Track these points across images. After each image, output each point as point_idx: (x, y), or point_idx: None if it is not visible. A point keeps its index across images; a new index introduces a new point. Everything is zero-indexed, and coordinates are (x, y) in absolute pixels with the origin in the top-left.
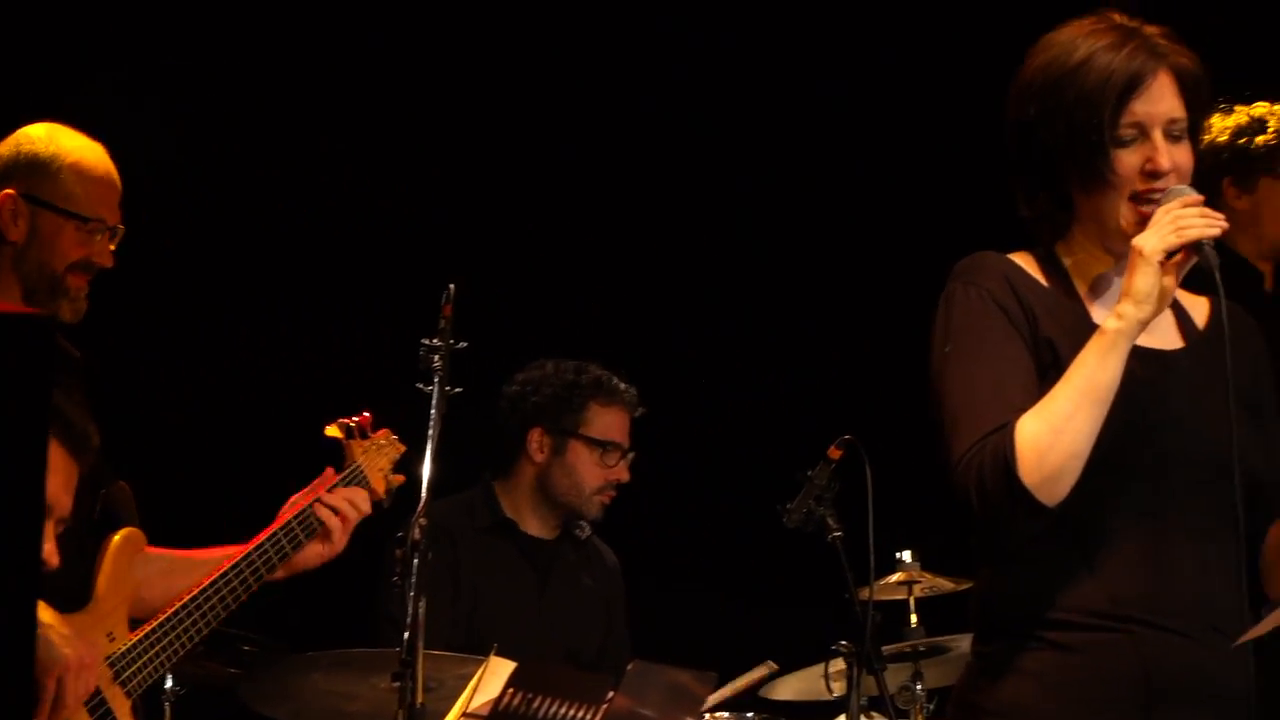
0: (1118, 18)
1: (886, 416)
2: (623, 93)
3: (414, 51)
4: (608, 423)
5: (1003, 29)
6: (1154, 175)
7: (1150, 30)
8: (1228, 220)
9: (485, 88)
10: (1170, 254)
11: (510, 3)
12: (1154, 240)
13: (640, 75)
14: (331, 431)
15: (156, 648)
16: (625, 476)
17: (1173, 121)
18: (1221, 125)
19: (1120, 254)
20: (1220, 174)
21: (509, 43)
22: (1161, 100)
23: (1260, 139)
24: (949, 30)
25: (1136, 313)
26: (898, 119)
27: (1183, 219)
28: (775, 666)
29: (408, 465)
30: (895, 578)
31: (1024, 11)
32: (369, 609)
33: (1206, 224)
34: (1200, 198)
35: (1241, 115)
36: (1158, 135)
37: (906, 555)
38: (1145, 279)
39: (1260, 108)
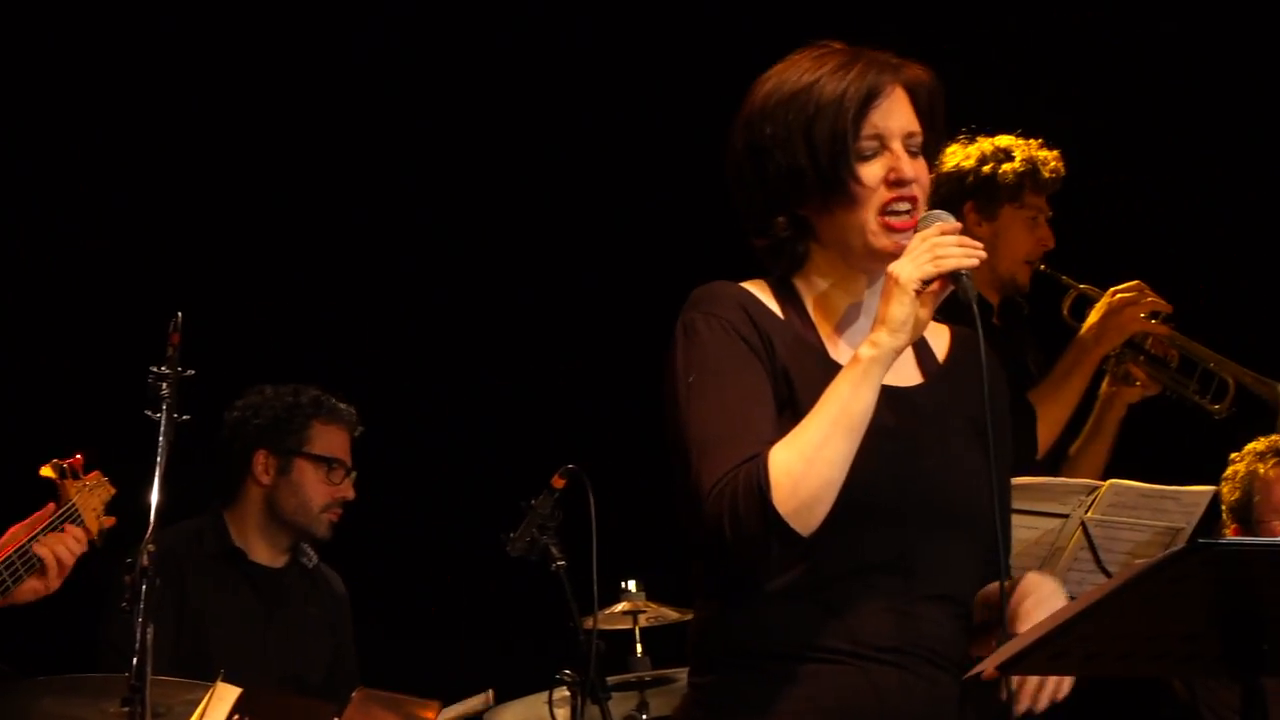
0: (838, 45)
1: (610, 446)
2: (335, 121)
3: (136, 78)
4: (330, 440)
5: (718, 63)
6: (899, 184)
7: (875, 52)
8: None
9: (207, 118)
10: (927, 283)
11: (206, 31)
12: (910, 269)
13: (351, 101)
14: (46, 472)
15: None
16: (350, 494)
17: (910, 135)
18: (965, 151)
19: (865, 272)
20: (961, 200)
21: (224, 73)
22: (899, 113)
23: (1007, 167)
24: (672, 63)
25: (891, 341)
26: (621, 151)
27: (940, 247)
28: (492, 697)
29: (136, 492)
30: (620, 607)
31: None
32: (92, 634)
33: (965, 254)
34: (957, 225)
35: (986, 144)
36: (897, 145)
37: (631, 585)
38: (901, 307)
39: (1004, 139)
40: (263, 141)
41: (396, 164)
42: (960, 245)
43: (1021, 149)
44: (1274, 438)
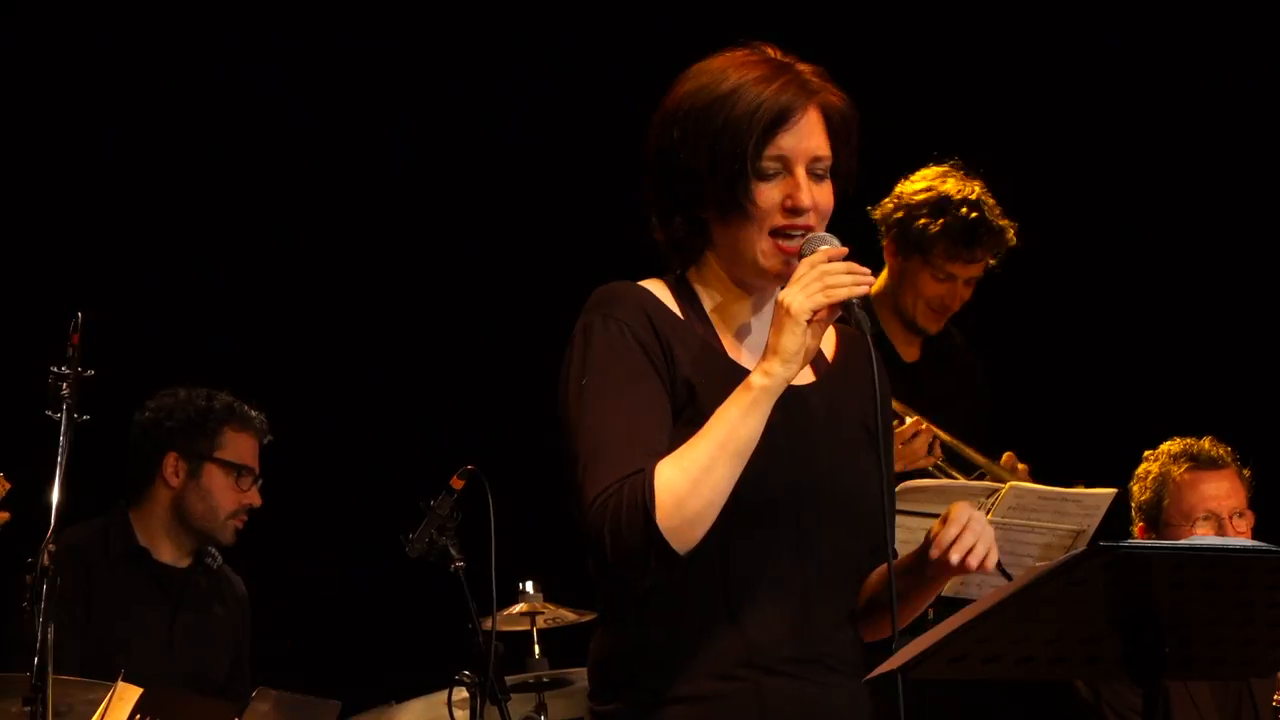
0: (771, 51)
1: (508, 446)
2: (230, 121)
3: (37, 74)
4: (241, 447)
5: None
6: (795, 211)
7: (803, 67)
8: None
9: (109, 115)
10: (816, 312)
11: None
12: (801, 299)
13: (251, 106)
14: None
15: None
16: (258, 501)
17: (816, 160)
18: (925, 183)
19: (751, 286)
20: (888, 230)
21: (127, 70)
22: (808, 137)
23: (922, 221)
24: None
25: (784, 371)
26: (522, 153)
27: (830, 276)
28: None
29: (38, 492)
30: (518, 608)
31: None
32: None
33: (854, 282)
34: (843, 250)
35: (944, 183)
36: (800, 171)
37: (529, 586)
38: (794, 338)
39: (968, 188)
40: (160, 138)
41: (288, 166)
42: (850, 273)
43: (954, 215)
44: (1189, 440)
